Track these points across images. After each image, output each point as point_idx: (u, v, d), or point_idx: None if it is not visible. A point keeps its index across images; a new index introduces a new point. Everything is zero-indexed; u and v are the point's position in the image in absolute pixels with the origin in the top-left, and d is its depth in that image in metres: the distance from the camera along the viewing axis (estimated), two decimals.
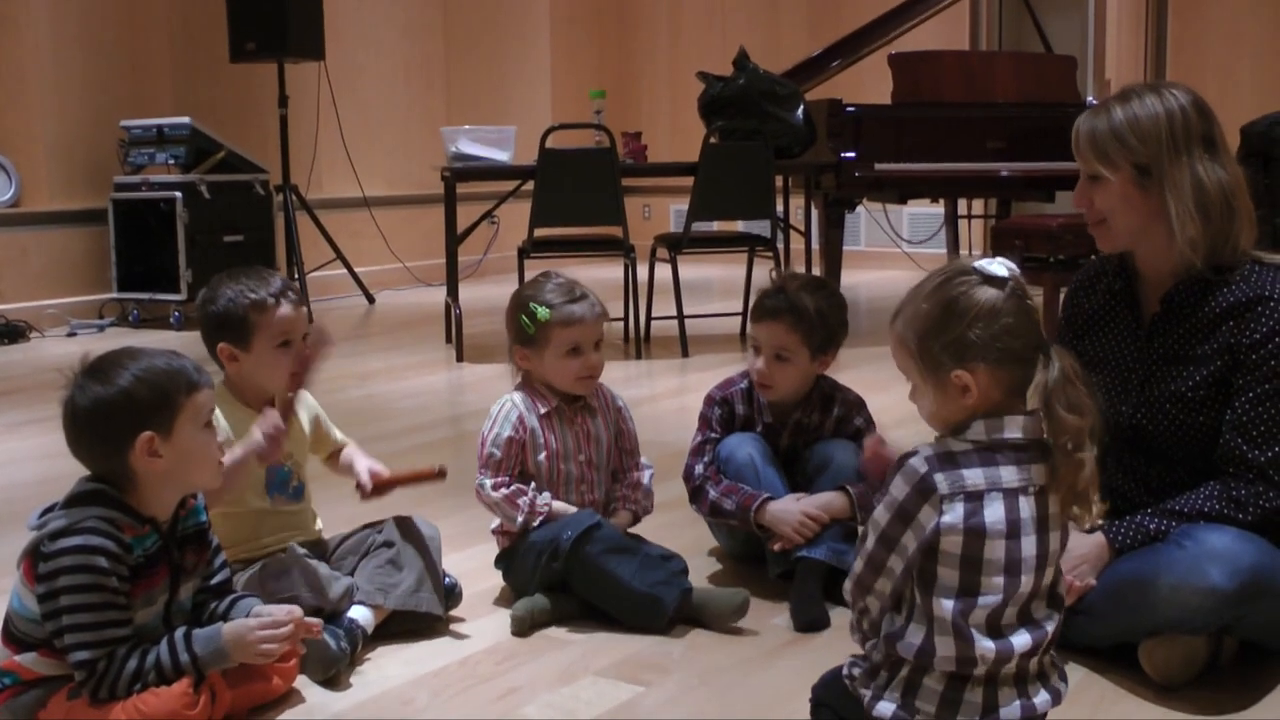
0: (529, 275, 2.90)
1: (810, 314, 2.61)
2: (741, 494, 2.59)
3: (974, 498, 1.66)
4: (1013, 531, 1.67)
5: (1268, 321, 2.12)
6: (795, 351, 2.62)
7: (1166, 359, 2.23)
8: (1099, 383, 2.30)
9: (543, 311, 2.57)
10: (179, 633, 1.98)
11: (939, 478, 1.66)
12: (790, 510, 2.55)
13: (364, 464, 2.56)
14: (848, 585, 1.79)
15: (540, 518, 2.53)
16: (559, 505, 2.56)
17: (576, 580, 2.45)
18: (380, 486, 2.51)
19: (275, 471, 2.45)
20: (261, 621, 2.01)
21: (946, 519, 1.65)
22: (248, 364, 2.40)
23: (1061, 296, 2.53)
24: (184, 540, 2.07)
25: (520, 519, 2.53)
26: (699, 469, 2.68)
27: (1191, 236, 2.13)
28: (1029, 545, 1.68)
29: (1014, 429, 1.69)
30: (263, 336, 2.38)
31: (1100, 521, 2.13)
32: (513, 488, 2.55)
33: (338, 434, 2.64)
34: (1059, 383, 1.67)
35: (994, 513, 1.66)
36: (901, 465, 1.70)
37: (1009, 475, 1.68)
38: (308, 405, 2.58)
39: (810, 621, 2.43)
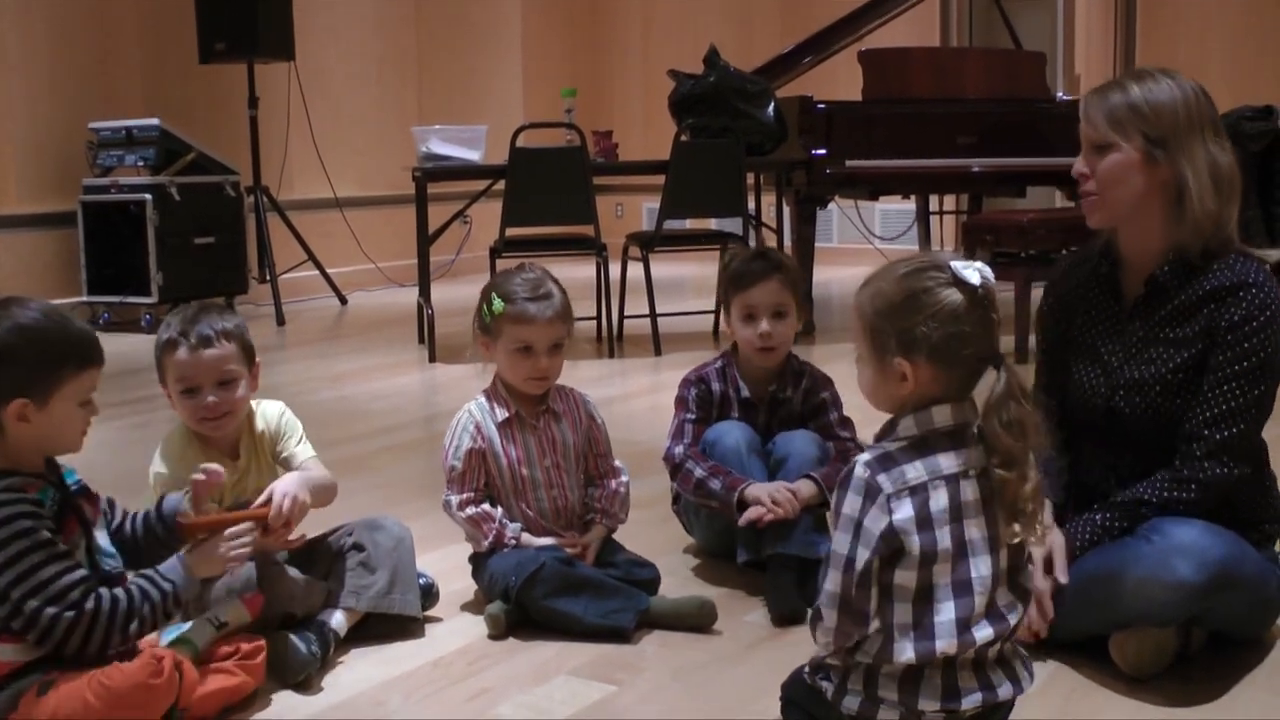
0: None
1: (794, 269, 2.75)
2: (729, 476, 2.59)
3: (919, 491, 1.68)
4: (956, 515, 1.69)
5: (1247, 306, 2.14)
6: (789, 306, 2.70)
7: (1146, 341, 2.24)
8: (1080, 370, 2.32)
9: (499, 304, 2.53)
10: (146, 573, 2.00)
11: (882, 479, 1.68)
12: (771, 484, 2.56)
13: (280, 487, 2.27)
14: (825, 639, 1.74)
15: (507, 549, 2.50)
16: (527, 538, 2.53)
17: (535, 619, 2.42)
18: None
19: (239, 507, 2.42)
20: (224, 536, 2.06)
21: (898, 518, 1.67)
22: (176, 406, 2.34)
23: (1041, 290, 2.54)
24: (76, 495, 2.04)
25: (487, 543, 2.51)
26: (679, 449, 2.68)
27: (1210, 210, 2.16)
28: (977, 528, 1.70)
29: (942, 417, 1.71)
30: (169, 379, 2.31)
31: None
32: (480, 509, 2.52)
33: (302, 453, 2.46)
34: (1001, 399, 1.68)
35: (938, 501, 1.68)
36: (847, 480, 1.72)
37: (947, 462, 1.70)
38: (271, 419, 2.46)
39: (788, 614, 2.44)
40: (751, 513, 2.50)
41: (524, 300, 2.53)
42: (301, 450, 2.45)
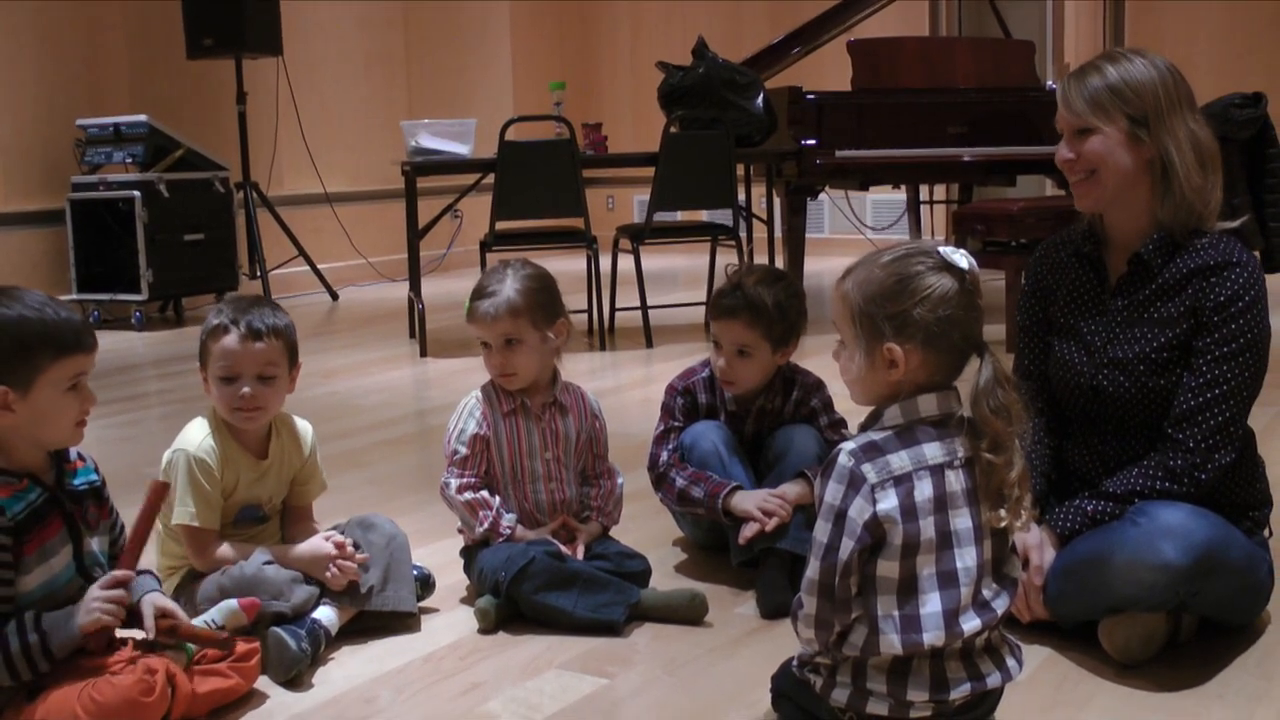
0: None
1: (769, 309, 2.59)
2: (710, 482, 2.58)
3: (903, 480, 1.68)
4: (941, 506, 1.69)
5: (1232, 286, 2.14)
6: (756, 347, 2.61)
7: (1130, 320, 2.24)
8: (1064, 351, 2.32)
9: (467, 302, 2.55)
10: (29, 614, 1.90)
11: (866, 468, 1.68)
12: (757, 492, 2.55)
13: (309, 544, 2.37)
14: (807, 633, 1.75)
15: (500, 540, 2.49)
16: (521, 531, 2.53)
17: (525, 613, 2.41)
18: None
19: (250, 510, 2.41)
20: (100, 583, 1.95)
21: (882, 507, 1.67)
22: (212, 392, 2.34)
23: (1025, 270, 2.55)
24: (80, 496, 2.03)
25: (479, 531, 2.51)
26: (664, 457, 2.67)
27: (1197, 185, 2.16)
28: (962, 518, 1.71)
29: (928, 406, 1.72)
30: (211, 363, 2.32)
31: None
32: (479, 495, 2.52)
33: (313, 492, 2.51)
34: (989, 385, 1.70)
35: (923, 490, 1.69)
36: (830, 468, 1.71)
37: (932, 451, 1.71)
38: (306, 438, 2.48)
39: (777, 607, 2.44)
40: (747, 530, 2.50)
41: (474, 298, 2.54)
42: (314, 489, 2.50)
